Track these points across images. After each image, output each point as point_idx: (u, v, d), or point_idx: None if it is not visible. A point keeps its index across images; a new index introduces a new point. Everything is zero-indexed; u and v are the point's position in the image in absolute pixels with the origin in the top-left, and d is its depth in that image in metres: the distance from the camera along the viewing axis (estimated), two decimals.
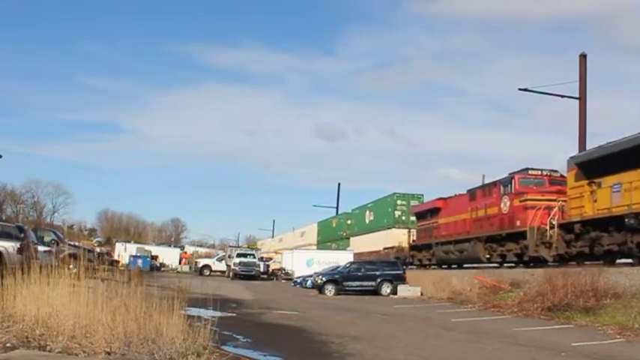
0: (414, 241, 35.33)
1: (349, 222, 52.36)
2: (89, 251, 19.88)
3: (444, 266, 30.63)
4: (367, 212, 47.23)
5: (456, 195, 30.47)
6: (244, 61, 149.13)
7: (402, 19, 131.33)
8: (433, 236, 31.55)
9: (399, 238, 37.85)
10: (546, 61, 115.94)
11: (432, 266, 31.73)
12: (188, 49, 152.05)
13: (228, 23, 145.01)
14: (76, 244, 26.28)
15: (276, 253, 65.96)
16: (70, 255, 15.38)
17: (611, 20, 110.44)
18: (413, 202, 40.02)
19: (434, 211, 32.21)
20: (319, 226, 62.88)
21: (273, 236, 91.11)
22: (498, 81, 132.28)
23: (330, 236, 57.42)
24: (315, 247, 57.45)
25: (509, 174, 24.77)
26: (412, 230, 36.37)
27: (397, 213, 41.23)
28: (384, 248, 39.34)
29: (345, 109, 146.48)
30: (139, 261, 43.68)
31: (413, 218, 37.78)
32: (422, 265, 33.20)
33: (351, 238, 50.01)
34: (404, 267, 29.52)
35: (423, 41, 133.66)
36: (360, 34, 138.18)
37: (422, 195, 41.54)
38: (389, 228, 40.97)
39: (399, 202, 41.55)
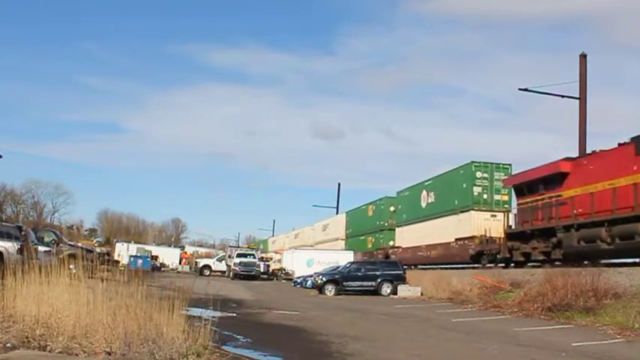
0: (509, 227, 25.53)
1: (392, 209, 41.26)
2: (89, 251, 19.88)
3: (585, 262, 19.80)
4: (424, 193, 35.04)
5: (597, 151, 20.85)
6: (243, 61, 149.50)
7: (401, 18, 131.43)
8: (555, 217, 21.71)
9: (480, 224, 27.85)
10: (545, 60, 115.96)
11: (556, 262, 21.21)
12: (187, 49, 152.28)
13: (228, 23, 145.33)
14: (77, 244, 26.29)
15: (276, 253, 65.96)
16: (70, 255, 15.38)
17: (610, 20, 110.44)
18: (498, 175, 29.03)
19: (554, 180, 22.18)
20: (349, 216, 52.23)
21: (273, 235, 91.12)
22: (497, 80, 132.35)
23: (365, 228, 46.40)
24: (342, 243, 50.92)
25: None
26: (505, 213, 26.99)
27: (476, 190, 28.92)
28: (457, 239, 29.55)
29: (344, 108, 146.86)
30: (139, 261, 43.64)
31: (498, 197, 28.71)
32: (530, 261, 23.39)
33: (398, 229, 39.12)
34: (502, 264, 24.76)
35: (421, 41, 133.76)
36: (359, 34, 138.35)
37: (509, 165, 29.71)
38: (463, 211, 29.46)
39: (478, 174, 29.14)
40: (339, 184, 63.68)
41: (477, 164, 29.42)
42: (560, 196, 21.65)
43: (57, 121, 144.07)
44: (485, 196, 28.95)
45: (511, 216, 26.10)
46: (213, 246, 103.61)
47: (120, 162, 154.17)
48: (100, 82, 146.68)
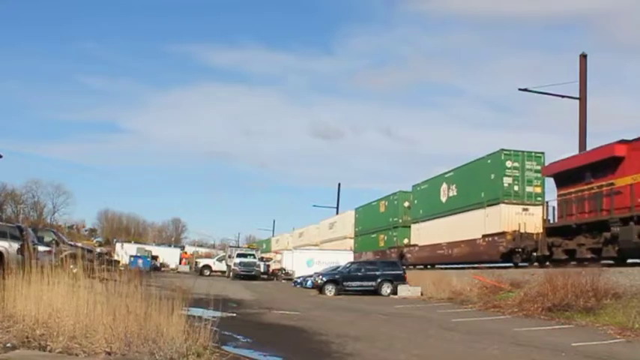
0: (547, 221, 22.85)
1: (406, 204, 38.16)
2: (89, 251, 19.87)
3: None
4: (443, 186, 31.81)
5: None
6: (242, 61, 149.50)
7: (400, 18, 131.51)
8: (608, 208, 19.01)
9: (510, 218, 25.23)
10: (545, 59, 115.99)
11: (608, 260, 19.05)
12: (186, 48, 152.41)
13: (227, 23, 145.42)
14: (77, 244, 26.28)
15: (276, 253, 65.95)
16: (70, 255, 15.38)
17: (610, 20, 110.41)
18: (530, 164, 26.14)
19: (605, 166, 19.35)
20: (358, 213, 48.66)
21: (273, 234, 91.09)
22: (497, 80, 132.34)
23: (377, 225, 42.88)
24: (351, 241, 48.26)
25: None
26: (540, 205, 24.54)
27: (507, 181, 26.00)
28: (485, 236, 26.53)
29: (344, 108, 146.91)
30: (140, 261, 43.67)
31: (530, 188, 25.86)
32: (574, 259, 20.17)
33: (414, 226, 35.95)
34: (536, 263, 23.09)
35: (421, 40, 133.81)
36: (358, 34, 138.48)
37: (542, 153, 26.63)
38: (491, 204, 26.34)
39: (509, 163, 26.14)
40: (339, 184, 63.70)
41: (507, 152, 26.20)
42: (613, 184, 18.97)
43: (57, 121, 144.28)
44: (516, 187, 25.89)
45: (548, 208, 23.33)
46: (213, 246, 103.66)
47: (120, 162, 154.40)
48: (99, 81, 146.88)
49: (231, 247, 64.76)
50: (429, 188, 34.26)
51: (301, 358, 9.47)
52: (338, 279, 27.25)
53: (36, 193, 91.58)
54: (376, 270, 27.36)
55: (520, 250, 24.14)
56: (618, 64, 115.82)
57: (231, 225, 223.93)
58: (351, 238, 48.76)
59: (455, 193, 30.67)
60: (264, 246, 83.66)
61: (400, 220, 38.64)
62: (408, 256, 35.63)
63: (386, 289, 26.29)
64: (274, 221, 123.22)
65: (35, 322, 7.98)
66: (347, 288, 26.82)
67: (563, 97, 26.30)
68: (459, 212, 29.44)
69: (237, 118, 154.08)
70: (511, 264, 24.86)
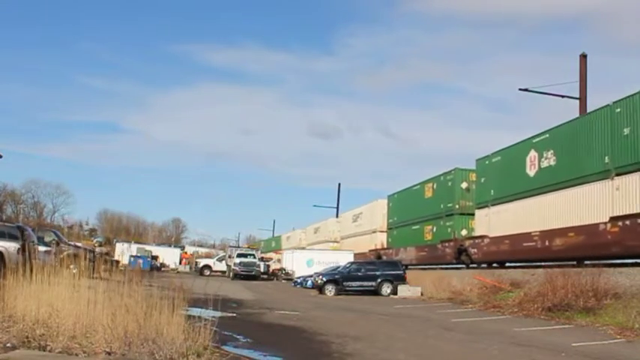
0: None
1: (464, 185, 29.54)
2: (91, 252, 19.88)
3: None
4: (531, 154, 23.44)
5: None
6: (242, 61, 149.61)
7: (400, 17, 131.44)
8: None
9: None
10: (545, 60, 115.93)
11: None
12: (186, 48, 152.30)
13: (226, 23, 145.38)
14: (77, 244, 26.28)
15: (275, 253, 65.92)
16: (70, 255, 15.39)
17: (610, 19, 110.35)
18: None
19: None
20: (392, 201, 39.72)
21: (273, 235, 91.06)
22: (497, 80, 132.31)
23: (421, 214, 33.76)
24: (382, 236, 40.33)
25: None
26: None
27: None
28: (615, 218, 17.99)
29: (343, 108, 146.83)
30: (140, 261, 43.70)
31: None
32: None
33: (480, 212, 27.03)
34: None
35: (420, 40, 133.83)
36: (358, 33, 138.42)
37: None
38: (626, 172, 17.94)
39: None
40: (339, 184, 63.53)
41: None
42: None
43: (57, 121, 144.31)
44: None
45: None
46: (213, 246, 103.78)
47: (120, 162, 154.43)
48: (99, 81, 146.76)
49: (231, 247, 64.78)
50: (504, 161, 25.71)
51: (301, 358, 9.47)
52: (338, 279, 27.27)
53: (36, 193, 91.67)
54: (376, 270, 27.38)
55: None
56: (618, 64, 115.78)
57: (231, 225, 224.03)
58: (382, 231, 40.69)
59: (552, 163, 22.30)
60: (273, 244, 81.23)
61: (457, 206, 29.69)
62: (473, 251, 27.05)
63: (386, 289, 26.31)
64: (274, 221, 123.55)
65: (35, 322, 7.99)
66: (347, 288, 26.84)
67: (563, 97, 26.27)
68: (561, 188, 21.28)
69: (237, 118, 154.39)
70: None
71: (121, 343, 7.37)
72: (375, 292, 26.33)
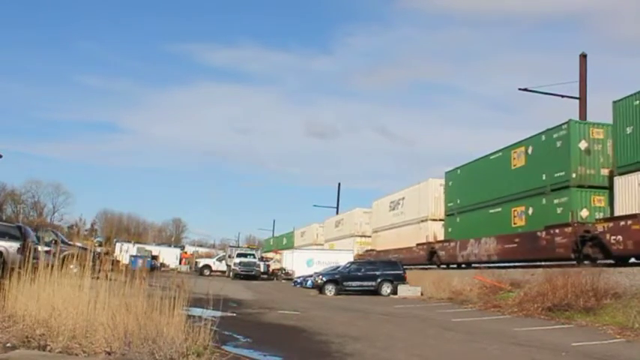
0: None
1: (583, 145, 20.72)
2: (90, 251, 19.84)
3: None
4: None
5: None
6: (241, 60, 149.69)
7: (398, 16, 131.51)
8: None
9: None
10: (545, 59, 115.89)
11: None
12: (185, 48, 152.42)
13: (225, 22, 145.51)
14: (77, 244, 26.25)
15: (275, 253, 65.88)
16: (70, 255, 15.37)
17: (610, 19, 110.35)
18: None
19: None
20: (453, 178, 30.44)
21: (273, 234, 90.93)
22: (496, 79, 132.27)
23: (504, 191, 24.88)
24: (437, 225, 31.71)
25: None
26: None
27: None
28: None
29: (342, 107, 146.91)
30: (140, 261, 43.65)
31: None
32: None
33: (619, 180, 18.58)
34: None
35: (419, 39, 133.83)
36: (356, 33, 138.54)
37: None
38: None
39: None
40: (339, 184, 63.50)
41: None
42: None
43: (57, 121, 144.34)
44: None
45: None
46: (213, 246, 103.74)
47: (120, 162, 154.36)
48: (98, 81, 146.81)
49: (231, 247, 64.78)
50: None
51: (301, 357, 9.47)
52: (338, 279, 27.27)
53: (36, 193, 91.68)
54: (376, 270, 27.38)
55: None
56: (618, 63, 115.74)
57: (231, 225, 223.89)
58: (437, 220, 32.05)
59: None
60: (285, 241, 77.28)
61: (574, 175, 20.68)
62: (613, 239, 17.78)
63: (386, 289, 26.31)
64: (274, 221, 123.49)
65: (35, 322, 7.98)
66: (347, 288, 26.84)
67: (563, 96, 26.31)
68: None
69: (236, 117, 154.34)
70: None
71: (121, 342, 7.36)
72: (375, 292, 26.33)
